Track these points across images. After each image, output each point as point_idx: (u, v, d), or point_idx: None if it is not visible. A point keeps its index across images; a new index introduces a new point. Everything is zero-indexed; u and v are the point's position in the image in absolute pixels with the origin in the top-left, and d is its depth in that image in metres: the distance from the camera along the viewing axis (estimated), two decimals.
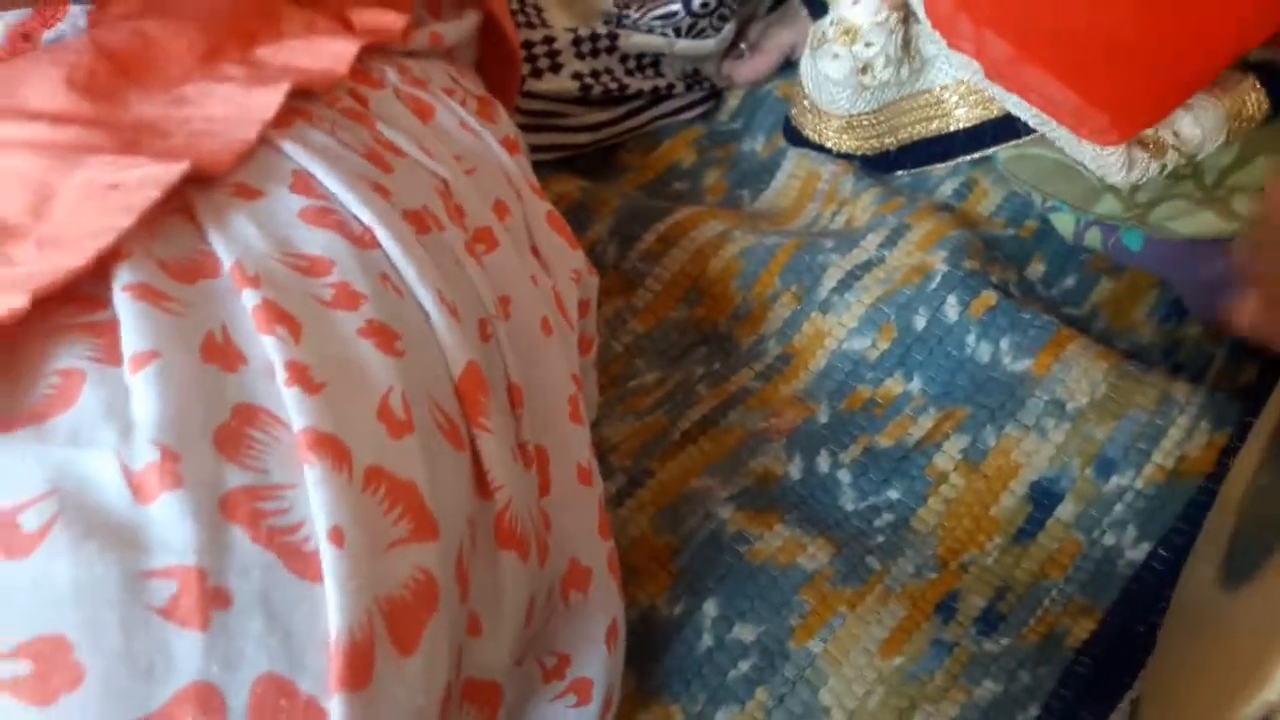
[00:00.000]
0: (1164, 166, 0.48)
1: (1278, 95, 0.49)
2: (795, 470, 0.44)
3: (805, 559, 0.40)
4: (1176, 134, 0.48)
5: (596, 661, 0.32)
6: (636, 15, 0.55)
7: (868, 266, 0.48)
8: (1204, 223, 0.47)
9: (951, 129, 0.54)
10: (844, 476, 0.44)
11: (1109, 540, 0.42)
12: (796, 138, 0.56)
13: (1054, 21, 0.46)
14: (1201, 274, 0.48)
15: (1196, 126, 0.48)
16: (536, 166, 0.51)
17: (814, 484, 0.43)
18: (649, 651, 0.38)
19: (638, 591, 0.39)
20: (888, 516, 0.42)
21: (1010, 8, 0.47)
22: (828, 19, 0.52)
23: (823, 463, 0.44)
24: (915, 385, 0.46)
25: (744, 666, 0.37)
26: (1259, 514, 0.35)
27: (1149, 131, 0.47)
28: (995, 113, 0.52)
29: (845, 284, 0.48)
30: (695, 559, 0.40)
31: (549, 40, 0.53)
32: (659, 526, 0.41)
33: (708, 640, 0.38)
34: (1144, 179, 0.47)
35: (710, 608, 0.38)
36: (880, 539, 0.42)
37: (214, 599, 0.21)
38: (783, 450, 0.44)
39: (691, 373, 0.48)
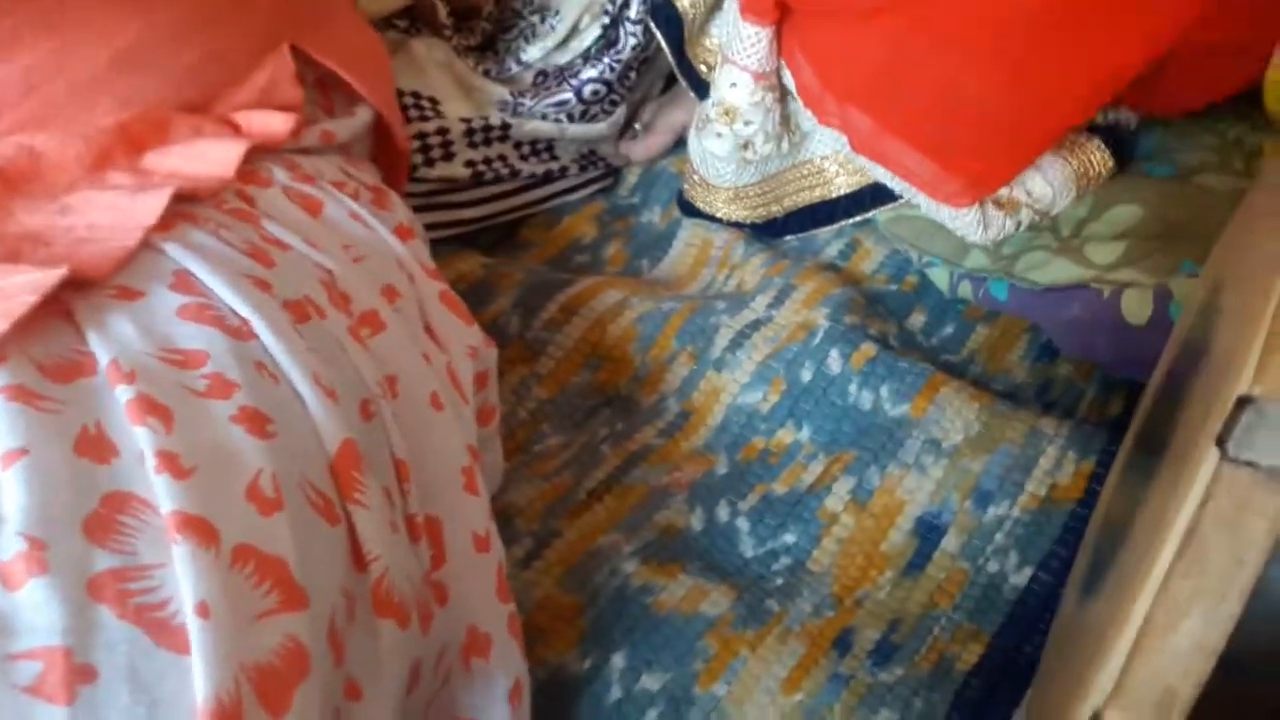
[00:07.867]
0: (1019, 224, 0.52)
1: (1120, 154, 0.54)
2: (697, 521, 0.46)
3: (708, 605, 0.42)
4: (1029, 193, 0.52)
5: None
6: (531, 103, 0.58)
7: (757, 326, 0.51)
8: (1060, 270, 0.52)
9: (833, 195, 0.58)
10: (743, 524, 0.46)
11: (993, 567, 0.44)
12: (690, 209, 0.60)
13: (908, 96, 0.51)
14: (1060, 316, 0.52)
15: (1047, 186, 0.53)
16: (441, 245, 0.53)
17: (715, 533, 0.45)
18: (560, 708, 0.39)
19: (546, 651, 0.40)
20: (785, 560, 0.45)
21: (870, 85, 0.52)
22: (709, 101, 0.56)
23: (722, 512, 0.46)
24: (805, 434, 0.48)
25: (652, 714, 0.39)
26: (1109, 531, 0.38)
27: (1003, 192, 0.52)
28: (872, 179, 0.56)
29: (737, 343, 0.51)
30: (603, 614, 0.41)
31: (443, 131, 0.56)
32: (566, 585, 0.43)
33: (616, 692, 0.39)
34: (1001, 236, 0.52)
35: (618, 660, 0.40)
36: (779, 581, 0.44)
37: (80, 675, 0.22)
38: (684, 503, 0.46)
39: (595, 434, 0.50)
